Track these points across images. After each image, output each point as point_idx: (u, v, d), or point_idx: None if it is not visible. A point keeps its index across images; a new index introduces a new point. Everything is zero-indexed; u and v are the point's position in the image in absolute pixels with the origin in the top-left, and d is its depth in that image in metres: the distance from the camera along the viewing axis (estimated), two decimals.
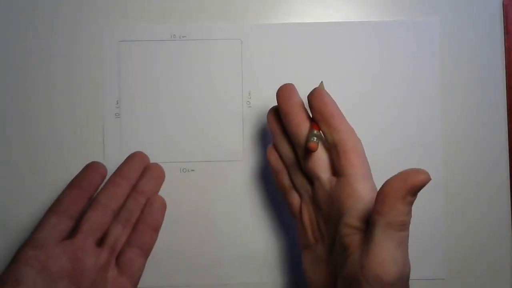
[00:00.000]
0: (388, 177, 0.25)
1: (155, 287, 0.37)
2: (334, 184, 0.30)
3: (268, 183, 0.38)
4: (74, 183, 0.33)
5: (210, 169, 0.38)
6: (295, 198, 0.33)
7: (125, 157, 0.36)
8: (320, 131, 0.30)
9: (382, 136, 0.38)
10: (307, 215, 0.32)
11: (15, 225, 0.37)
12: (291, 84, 0.33)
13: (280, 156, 0.33)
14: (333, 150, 0.30)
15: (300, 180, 0.32)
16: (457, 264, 0.38)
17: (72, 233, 0.32)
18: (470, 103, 0.38)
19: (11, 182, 0.38)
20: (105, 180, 0.35)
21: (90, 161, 0.35)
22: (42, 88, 0.38)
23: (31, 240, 0.31)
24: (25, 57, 0.38)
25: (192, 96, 0.38)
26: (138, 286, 0.34)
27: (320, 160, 0.30)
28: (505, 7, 0.38)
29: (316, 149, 0.29)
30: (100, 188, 0.34)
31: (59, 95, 0.38)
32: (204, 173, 0.38)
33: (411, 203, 0.25)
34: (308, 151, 0.30)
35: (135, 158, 0.36)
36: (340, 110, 0.31)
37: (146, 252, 0.34)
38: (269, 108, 0.34)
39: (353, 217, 0.27)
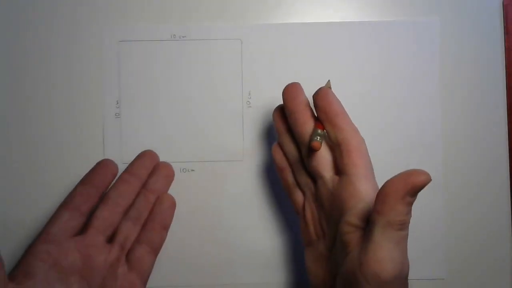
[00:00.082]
0: (388, 177, 0.25)
1: (155, 287, 0.37)
2: (337, 182, 0.30)
3: (268, 183, 0.38)
4: (86, 180, 0.34)
5: (210, 169, 0.38)
6: (298, 196, 0.33)
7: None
8: (324, 130, 0.31)
9: (382, 136, 0.38)
10: (310, 213, 0.32)
11: (15, 225, 0.37)
12: (297, 83, 0.33)
13: (285, 154, 0.34)
14: (336, 149, 0.30)
15: (303, 178, 0.33)
16: (457, 264, 0.38)
17: (83, 229, 0.32)
18: (470, 103, 0.38)
19: (11, 182, 0.38)
20: (116, 178, 0.35)
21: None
22: (42, 88, 0.38)
23: (43, 234, 0.31)
24: (25, 57, 0.38)
25: (192, 96, 0.38)
26: None
27: (324, 159, 0.31)
28: (505, 7, 0.38)
29: (319, 148, 0.30)
30: (111, 185, 0.35)
31: (59, 95, 0.38)
32: (204, 173, 0.38)
33: (411, 204, 0.25)
34: (311, 150, 0.30)
35: (145, 156, 0.36)
36: (344, 110, 0.31)
37: (155, 250, 0.34)
38: (275, 107, 0.35)
39: (353, 216, 0.27)
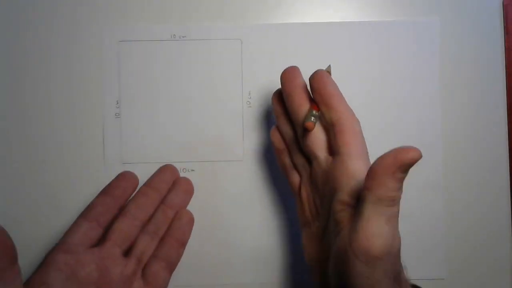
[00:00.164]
0: None
1: None
2: (330, 162, 0.30)
3: (268, 183, 0.38)
4: (107, 191, 0.34)
5: (210, 169, 0.38)
6: (295, 177, 0.33)
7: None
8: (319, 112, 0.31)
9: (382, 136, 0.38)
10: (305, 193, 0.32)
11: (15, 225, 0.37)
12: (295, 66, 0.33)
13: (282, 136, 0.34)
14: (330, 130, 0.30)
15: (299, 159, 0.33)
16: (457, 264, 0.38)
17: (101, 240, 0.32)
18: (470, 103, 0.38)
19: (11, 182, 0.38)
20: (136, 190, 0.35)
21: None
22: (42, 88, 0.38)
23: (61, 244, 0.31)
24: (25, 57, 0.38)
25: (192, 96, 0.38)
26: None
27: (318, 139, 0.31)
28: (505, 7, 0.38)
29: (313, 128, 0.30)
30: (130, 197, 0.35)
31: (59, 95, 0.38)
32: (204, 173, 0.38)
33: (402, 180, 0.25)
34: (305, 130, 0.31)
35: (166, 170, 0.37)
36: (339, 92, 0.31)
37: (171, 266, 0.34)
38: (274, 91, 0.35)
39: (345, 194, 0.27)
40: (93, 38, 0.38)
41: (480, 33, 0.38)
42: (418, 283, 0.34)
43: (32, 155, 0.38)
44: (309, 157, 0.32)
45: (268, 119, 0.38)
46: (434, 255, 0.38)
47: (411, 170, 0.38)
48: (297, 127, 0.32)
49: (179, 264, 0.36)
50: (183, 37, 0.38)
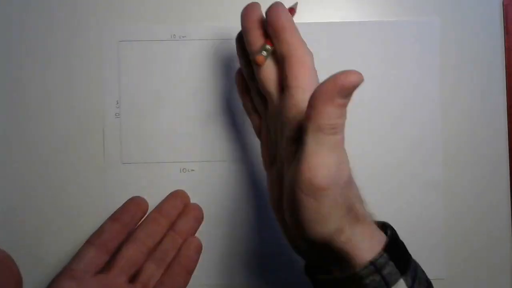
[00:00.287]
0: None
1: None
2: (281, 98, 0.28)
3: None
4: (116, 217, 0.34)
5: (210, 169, 0.38)
6: (256, 120, 0.33)
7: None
8: (273, 47, 0.29)
9: (382, 136, 0.38)
10: (265, 135, 0.32)
11: (15, 225, 0.37)
12: (255, 2, 0.31)
13: (245, 79, 0.33)
14: (281, 63, 0.29)
15: (258, 99, 0.32)
16: (457, 264, 0.38)
17: (107, 266, 0.32)
18: (470, 103, 0.38)
19: (11, 182, 0.38)
20: (146, 215, 0.35)
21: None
22: (42, 88, 0.38)
23: (67, 270, 0.31)
24: (25, 57, 0.38)
25: (192, 96, 0.38)
26: None
27: (270, 75, 0.29)
28: (505, 7, 0.38)
29: (263, 62, 0.29)
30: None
31: (59, 95, 0.38)
32: (204, 173, 0.38)
33: (343, 106, 0.24)
34: (256, 65, 0.29)
35: (177, 196, 0.36)
36: (293, 24, 0.29)
37: None
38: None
39: (292, 129, 0.26)
40: (93, 38, 0.38)
41: (480, 33, 0.38)
42: None
43: (32, 155, 0.38)
44: (265, 96, 0.31)
45: None
46: (434, 255, 0.38)
47: (411, 170, 0.38)
48: (253, 65, 0.31)
49: None
50: (183, 37, 0.38)
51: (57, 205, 0.38)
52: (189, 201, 0.37)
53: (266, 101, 0.31)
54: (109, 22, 0.38)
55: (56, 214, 0.38)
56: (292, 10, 0.32)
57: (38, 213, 0.37)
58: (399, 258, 0.25)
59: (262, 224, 0.38)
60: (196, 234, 0.37)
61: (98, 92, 0.38)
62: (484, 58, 0.38)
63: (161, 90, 0.38)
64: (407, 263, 0.26)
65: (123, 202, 0.36)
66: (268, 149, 0.31)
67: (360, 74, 0.23)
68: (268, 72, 0.29)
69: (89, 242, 0.32)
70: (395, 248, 0.26)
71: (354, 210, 0.25)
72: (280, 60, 0.29)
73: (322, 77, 0.38)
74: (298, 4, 0.32)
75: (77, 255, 0.32)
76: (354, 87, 0.23)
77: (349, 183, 0.25)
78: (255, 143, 0.38)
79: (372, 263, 0.24)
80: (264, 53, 0.29)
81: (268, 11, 0.29)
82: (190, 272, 0.35)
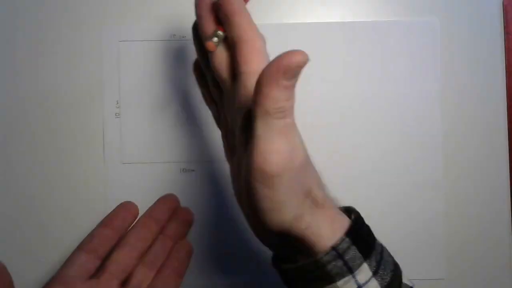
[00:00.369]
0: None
1: None
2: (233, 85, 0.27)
3: None
4: (107, 222, 0.33)
5: (210, 169, 0.38)
6: (214, 110, 0.32)
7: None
8: (225, 32, 0.28)
9: (382, 136, 0.38)
10: (223, 125, 0.31)
11: (15, 225, 0.37)
12: None
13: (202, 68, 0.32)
14: (233, 49, 0.27)
15: (214, 90, 0.31)
16: (457, 264, 0.38)
17: (99, 271, 0.32)
18: (470, 103, 0.38)
19: (11, 182, 0.38)
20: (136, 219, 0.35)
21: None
22: (42, 88, 0.38)
23: (58, 276, 0.31)
24: (25, 57, 0.38)
25: (192, 96, 0.38)
26: None
27: (223, 61, 0.28)
28: (505, 7, 0.38)
29: (213, 48, 0.28)
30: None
31: (59, 95, 0.38)
32: (204, 173, 0.38)
33: (290, 88, 0.23)
34: (208, 51, 0.28)
35: (166, 200, 0.36)
36: (244, 9, 0.28)
37: None
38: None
39: (243, 116, 0.26)
40: (93, 38, 0.38)
41: (480, 33, 0.38)
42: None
43: (32, 155, 0.38)
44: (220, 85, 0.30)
45: None
46: (434, 255, 0.38)
47: (411, 169, 0.38)
48: (207, 53, 0.29)
49: None
50: (183, 37, 0.38)
51: (57, 205, 0.38)
52: (179, 204, 0.37)
53: (222, 90, 0.30)
54: (109, 22, 0.38)
55: (56, 214, 0.38)
56: None
57: (38, 213, 0.38)
58: (363, 242, 0.25)
59: None
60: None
61: (98, 92, 0.38)
62: (484, 58, 0.38)
63: (161, 90, 0.38)
64: (371, 247, 0.25)
65: (123, 202, 0.36)
66: (226, 141, 0.30)
67: (304, 53, 0.22)
68: (221, 58, 0.28)
69: (80, 248, 0.32)
70: (358, 232, 0.25)
71: (312, 195, 0.25)
72: (232, 46, 0.28)
73: (321, 77, 0.38)
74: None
75: (68, 261, 0.32)
76: (300, 67, 0.22)
77: (305, 167, 0.24)
78: None
79: (334, 248, 0.24)
80: (215, 39, 0.28)
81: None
82: (181, 276, 0.35)
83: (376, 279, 0.24)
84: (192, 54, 0.38)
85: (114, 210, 0.34)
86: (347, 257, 0.24)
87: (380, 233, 0.38)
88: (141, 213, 0.34)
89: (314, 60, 0.38)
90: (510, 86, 0.38)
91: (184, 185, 0.38)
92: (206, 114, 0.38)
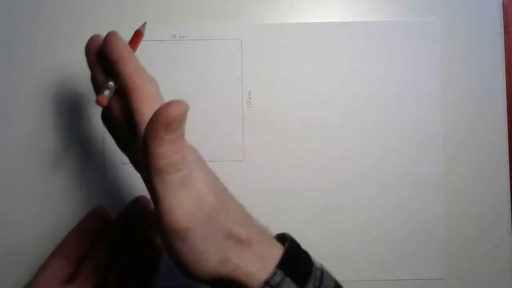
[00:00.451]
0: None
1: None
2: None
3: (268, 183, 0.38)
4: (79, 228, 0.33)
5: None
6: (128, 156, 0.31)
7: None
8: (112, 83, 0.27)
9: (382, 136, 0.38)
10: (140, 170, 0.29)
11: (14, 225, 0.37)
12: (94, 35, 0.29)
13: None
14: (125, 99, 0.26)
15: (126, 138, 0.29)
16: (457, 264, 0.38)
17: (73, 276, 0.32)
18: (470, 103, 0.38)
19: (11, 182, 0.38)
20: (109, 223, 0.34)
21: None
22: (42, 88, 0.38)
23: (33, 283, 0.31)
24: (25, 57, 0.38)
25: (192, 96, 0.38)
26: None
27: (120, 112, 0.27)
28: (505, 7, 0.38)
29: (105, 103, 0.26)
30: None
31: (60, 95, 0.38)
32: None
33: (176, 140, 0.22)
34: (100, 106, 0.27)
35: (139, 203, 0.35)
36: (129, 53, 0.27)
37: None
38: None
39: (145, 172, 0.24)
40: None
41: (480, 33, 0.38)
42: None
43: (32, 155, 0.38)
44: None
45: (268, 119, 0.38)
46: (434, 255, 0.38)
47: (412, 170, 0.38)
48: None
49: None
50: (183, 37, 0.38)
51: (57, 205, 0.38)
52: (152, 206, 0.36)
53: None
54: (109, 22, 0.38)
55: (56, 214, 0.38)
56: (139, 34, 0.30)
57: (38, 213, 0.37)
58: (298, 272, 0.24)
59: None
60: None
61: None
62: (484, 58, 0.38)
63: (161, 90, 0.38)
64: (307, 275, 0.24)
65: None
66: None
67: (182, 103, 0.21)
68: (117, 110, 0.27)
69: (53, 253, 0.32)
70: (292, 261, 0.25)
71: (234, 235, 0.24)
72: (124, 96, 0.26)
73: (321, 77, 0.38)
74: (147, 24, 0.30)
75: (42, 267, 0.31)
76: (180, 118, 0.21)
77: (217, 210, 0.24)
78: (257, 143, 0.38)
79: (267, 283, 0.23)
80: (107, 92, 0.26)
81: (102, 44, 0.27)
82: (154, 278, 0.35)
83: None
84: (192, 54, 0.39)
85: (86, 215, 0.34)
86: None
87: (380, 233, 0.38)
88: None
89: (314, 60, 0.39)
90: (510, 86, 0.38)
91: None
92: (206, 114, 0.38)
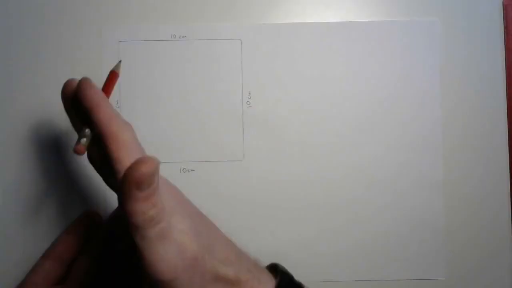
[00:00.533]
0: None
1: None
2: None
3: (268, 183, 0.38)
4: (70, 230, 0.33)
5: (210, 169, 0.38)
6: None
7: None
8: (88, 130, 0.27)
9: (382, 135, 0.38)
10: None
11: (14, 225, 0.37)
12: (69, 80, 0.29)
13: None
14: (102, 146, 0.26)
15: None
16: (457, 264, 0.38)
17: (64, 278, 0.32)
18: (471, 103, 0.38)
19: (10, 182, 0.38)
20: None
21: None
22: (42, 88, 0.38)
23: (24, 284, 0.31)
24: (25, 58, 0.38)
25: (192, 96, 0.38)
26: None
27: (98, 159, 0.27)
28: (505, 7, 0.38)
29: (83, 152, 0.27)
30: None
31: (59, 95, 0.38)
32: (204, 173, 0.38)
33: (150, 196, 0.22)
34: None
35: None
36: (102, 99, 0.27)
37: None
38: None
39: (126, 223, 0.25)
40: (93, 38, 0.38)
41: (480, 33, 0.38)
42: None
43: (32, 155, 0.38)
44: None
45: (268, 119, 0.38)
46: (434, 255, 0.38)
47: (411, 170, 0.38)
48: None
49: None
50: (183, 37, 0.38)
51: (57, 205, 0.38)
52: None
53: None
54: (109, 22, 0.38)
55: (56, 215, 0.38)
56: (114, 74, 0.30)
57: (37, 214, 0.37)
58: None
59: (262, 224, 0.38)
60: None
61: None
62: (484, 58, 0.38)
63: (161, 90, 0.38)
64: None
65: (86, 210, 0.35)
66: None
67: (152, 161, 0.22)
68: (97, 155, 0.27)
69: (44, 255, 0.32)
70: None
71: (221, 277, 0.24)
72: (101, 142, 0.26)
73: (321, 77, 0.38)
74: (122, 62, 0.30)
75: (32, 270, 0.32)
76: (151, 175, 0.22)
77: (202, 255, 0.24)
78: (257, 143, 0.38)
79: None
80: (83, 140, 0.27)
81: (75, 91, 0.27)
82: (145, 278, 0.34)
83: None
84: (192, 54, 0.39)
85: (77, 217, 0.34)
86: None
87: (380, 233, 0.38)
88: None
89: (314, 60, 0.39)
90: (510, 86, 0.38)
91: (184, 185, 0.38)
92: (206, 114, 0.38)
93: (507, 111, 0.38)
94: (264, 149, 0.38)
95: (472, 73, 0.38)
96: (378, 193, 0.38)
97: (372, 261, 0.38)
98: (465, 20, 0.38)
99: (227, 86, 0.38)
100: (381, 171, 0.38)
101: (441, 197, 0.38)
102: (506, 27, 0.38)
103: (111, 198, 0.38)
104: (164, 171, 0.38)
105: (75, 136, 0.29)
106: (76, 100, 0.27)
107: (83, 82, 0.27)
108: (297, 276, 0.38)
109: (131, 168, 0.22)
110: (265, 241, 0.38)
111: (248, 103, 0.38)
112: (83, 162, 0.30)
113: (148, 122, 0.38)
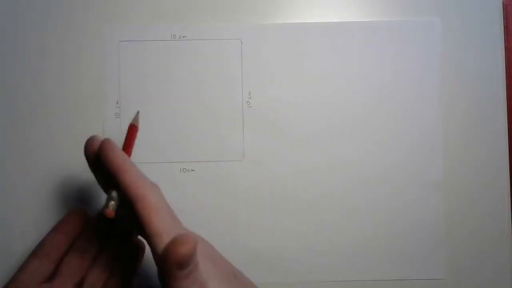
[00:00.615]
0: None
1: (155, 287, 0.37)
2: None
3: (268, 183, 0.38)
4: (57, 228, 0.33)
5: (210, 169, 0.38)
6: None
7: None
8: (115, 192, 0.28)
9: (382, 136, 0.38)
10: None
11: (14, 225, 0.37)
12: (92, 138, 0.29)
13: None
14: (131, 207, 0.27)
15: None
16: (457, 264, 0.38)
17: (53, 276, 0.32)
18: (471, 103, 0.38)
19: (10, 183, 0.38)
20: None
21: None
22: (42, 88, 0.38)
23: (12, 282, 0.31)
24: (25, 57, 0.38)
25: (192, 96, 0.38)
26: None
27: (130, 220, 0.28)
28: (505, 7, 0.38)
29: (112, 215, 0.27)
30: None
31: (59, 95, 0.38)
32: (204, 173, 0.38)
33: (190, 273, 0.24)
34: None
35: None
36: (125, 161, 0.27)
37: None
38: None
39: (160, 279, 0.26)
40: (93, 38, 0.38)
41: (480, 33, 0.38)
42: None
43: (32, 155, 0.38)
44: None
45: (268, 119, 0.38)
46: (434, 255, 0.38)
47: (411, 170, 0.38)
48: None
49: None
50: (183, 37, 0.38)
51: (58, 206, 0.38)
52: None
53: None
54: (109, 22, 0.38)
55: (56, 215, 0.38)
56: (134, 129, 0.30)
57: (37, 214, 0.37)
58: None
59: (262, 224, 0.38)
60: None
61: (98, 92, 0.38)
62: (484, 58, 0.38)
63: (161, 90, 0.38)
64: None
65: (74, 207, 0.35)
66: None
67: (190, 241, 0.23)
68: (124, 216, 0.28)
69: (32, 254, 0.32)
70: None
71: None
72: (129, 203, 0.27)
73: (321, 77, 0.38)
74: (140, 113, 0.30)
75: (21, 268, 0.32)
76: (190, 256, 0.23)
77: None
78: (257, 143, 0.38)
79: None
80: (112, 203, 0.27)
81: (98, 153, 0.28)
82: (134, 274, 0.34)
83: None
84: (192, 54, 0.39)
85: (65, 215, 0.34)
86: None
87: (380, 233, 0.38)
88: None
89: (314, 60, 0.39)
90: (510, 86, 0.38)
91: (184, 185, 0.38)
92: (206, 114, 0.38)
93: (507, 111, 0.38)
94: (264, 149, 0.38)
95: (472, 73, 0.38)
96: (378, 193, 0.38)
97: (371, 261, 0.38)
98: (465, 20, 0.38)
99: (227, 86, 0.38)
100: (381, 171, 0.38)
101: (440, 197, 0.38)
102: (506, 27, 0.38)
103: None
104: (164, 171, 0.38)
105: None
106: (99, 161, 0.28)
107: (106, 144, 0.28)
108: (297, 275, 0.38)
109: (171, 250, 0.23)
110: (265, 240, 0.38)
111: (248, 103, 0.38)
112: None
113: (148, 122, 0.38)
